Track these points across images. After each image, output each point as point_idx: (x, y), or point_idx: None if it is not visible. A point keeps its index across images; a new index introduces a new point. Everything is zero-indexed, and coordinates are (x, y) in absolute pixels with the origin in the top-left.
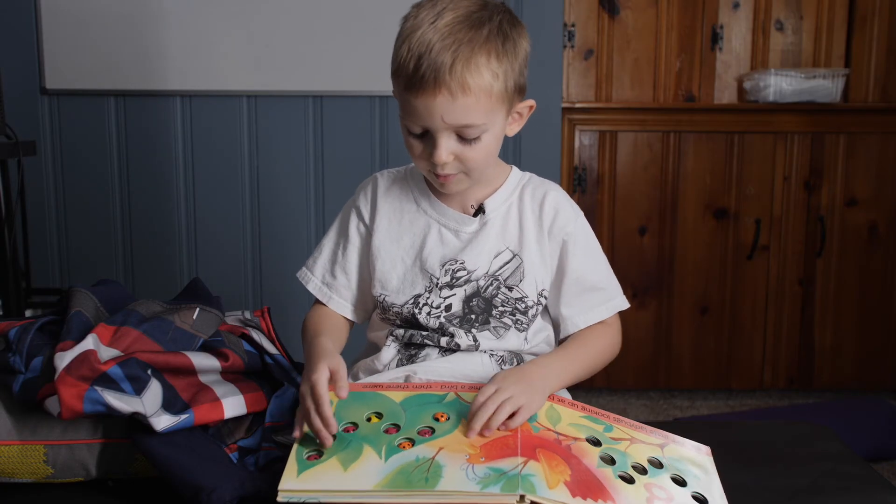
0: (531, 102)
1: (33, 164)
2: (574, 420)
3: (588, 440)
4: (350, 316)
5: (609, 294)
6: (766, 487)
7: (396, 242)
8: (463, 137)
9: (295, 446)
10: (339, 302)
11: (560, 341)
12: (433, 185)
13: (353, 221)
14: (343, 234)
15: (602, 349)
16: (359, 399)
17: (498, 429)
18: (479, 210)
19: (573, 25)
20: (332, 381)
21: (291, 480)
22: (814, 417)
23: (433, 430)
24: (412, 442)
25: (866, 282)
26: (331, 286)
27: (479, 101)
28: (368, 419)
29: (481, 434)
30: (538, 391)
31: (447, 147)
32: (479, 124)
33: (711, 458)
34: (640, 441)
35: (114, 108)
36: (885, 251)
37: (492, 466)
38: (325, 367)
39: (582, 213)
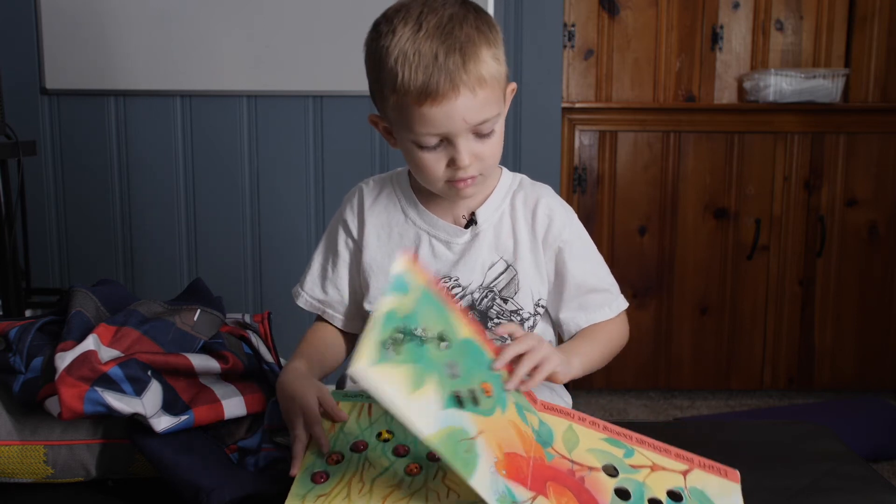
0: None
1: (33, 164)
2: (593, 444)
3: (605, 469)
4: (345, 329)
5: (610, 295)
6: (766, 487)
7: (388, 257)
8: (479, 134)
9: (297, 479)
10: (334, 315)
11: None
12: (420, 194)
13: (342, 237)
14: (332, 250)
15: (613, 336)
16: (432, 305)
17: (523, 384)
18: (471, 221)
19: (573, 25)
20: (323, 407)
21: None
22: (814, 417)
23: (477, 401)
24: (463, 402)
25: (866, 282)
26: (323, 302)
27: (494, 90)
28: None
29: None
30: (562, 351)
31: (468, 149)
32: (495, 115)
33: (739, 486)
34: (662, 468)
35: (114, 108)
36: (885, 251)
37: (509, 486)
38: (313, 395)
39: (575, 216)
